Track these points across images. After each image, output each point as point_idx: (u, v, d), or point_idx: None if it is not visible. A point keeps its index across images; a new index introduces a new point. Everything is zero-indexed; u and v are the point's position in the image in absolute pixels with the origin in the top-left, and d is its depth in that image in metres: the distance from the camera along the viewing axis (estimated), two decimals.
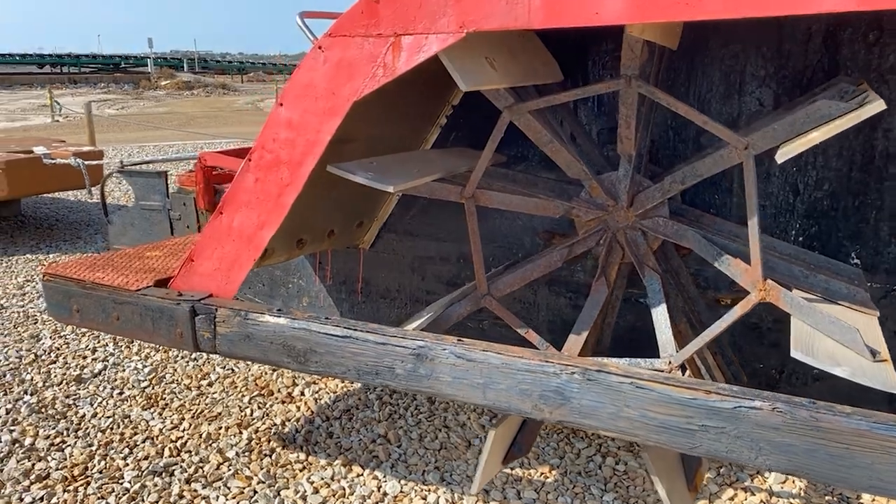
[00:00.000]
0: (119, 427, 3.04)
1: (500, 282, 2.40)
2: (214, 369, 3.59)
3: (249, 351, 2.16)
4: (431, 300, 3.28)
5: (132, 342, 3.93)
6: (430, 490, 2.60)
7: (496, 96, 2.17)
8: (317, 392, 3.35)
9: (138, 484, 2.63)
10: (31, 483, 2.64)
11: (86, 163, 5.72)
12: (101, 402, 3.27)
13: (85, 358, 3.76)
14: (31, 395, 3.34)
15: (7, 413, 3.15)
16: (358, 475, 2.70)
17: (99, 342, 3.94)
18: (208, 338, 2.21)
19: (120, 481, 2.65)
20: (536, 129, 2.22)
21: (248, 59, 78.50)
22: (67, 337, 4.03)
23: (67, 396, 3.32)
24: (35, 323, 4.26)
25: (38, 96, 32.11)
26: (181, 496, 2.57)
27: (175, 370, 3.60)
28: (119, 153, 11.66)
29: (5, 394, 3.34)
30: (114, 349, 3.86)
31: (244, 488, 2.61)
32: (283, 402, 3.26)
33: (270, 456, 2.82)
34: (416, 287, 3.31)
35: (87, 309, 2.43)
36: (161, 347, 3.87)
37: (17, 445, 2.89)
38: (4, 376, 3.53)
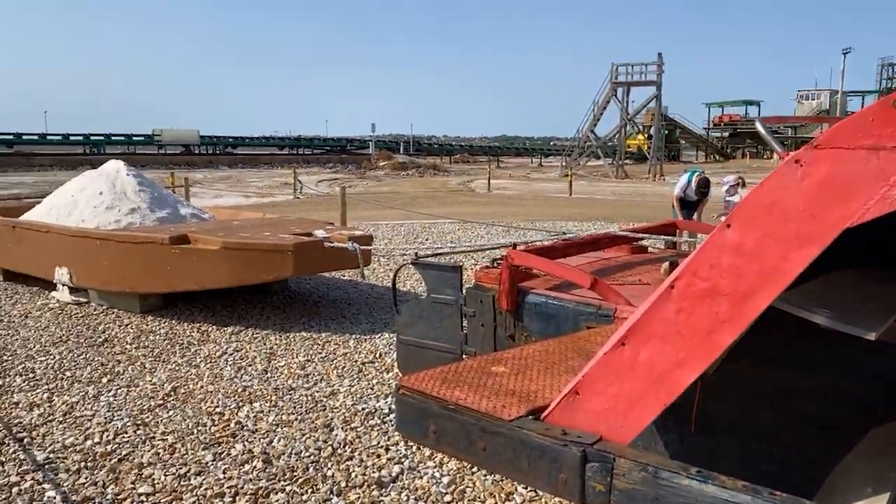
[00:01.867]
0: None
1: None
2: (517, 489, 3.28)
3: None
4: (789, 441, 2.74)
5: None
6: None
7: None
8: None
9: None
10: None
11: (361, 247, 5.92)
12: None
13: (379, 457, 3.65)
14: (338, 496, 3.24)
15: None
16: None
17: (390, 440, 3.83)
18: (601, 491, 1.87)
19: None
20: None
21: (451, 141, 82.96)
22: (358, 429, 3.98)
23: (373, 503, 3.18)
24: (324, 409, 4.29)
25: (278, 175, 36.03)
26: None
27: (474, 483, 3.35)
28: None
29: (313, 491, 3.28)
30: (406, 451, 3.72)
31: None
32: None
33: None
34: (770, 424, 2.79)
35: (448, 432, 2.22)
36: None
37: None
38: (308, 469, 3.50)
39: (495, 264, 3.98)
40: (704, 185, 9.83)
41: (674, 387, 1.82)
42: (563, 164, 39.74)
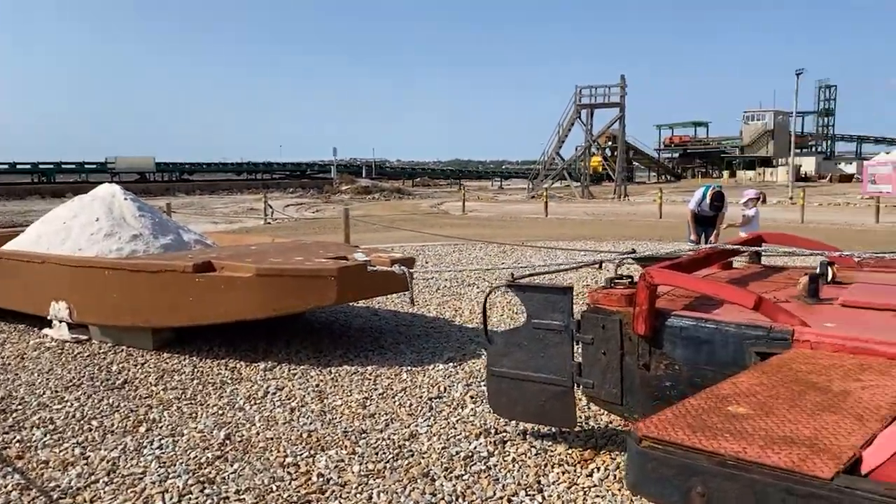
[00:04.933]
0: None
1: None
2: None
3: None
4: None
5: None
6: None
7: None
8: None
9: None
10: None
11: (409, 270, 5.42)
12: None
13: None
14: None
15: None
16: None
17: (506, 489, 3.33)
18: None
19: None
20: None
21: (403, 166, 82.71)
22: (465, 478, 3.46)
23: None
24: (412, 455, 3.76)
25: (241, 201, 35.08)
26: None
27: None
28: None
29: None
30: (532, 503, 3.22)
31: None
32: None
33: None
34: None
35: (725, 496, 1.76)
36: None
37: None
38: None
39: (612, 284, 3.55)
40: (719, 200, 9.67)
41: None
42: (530, 186, 39.79)
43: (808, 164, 69.46)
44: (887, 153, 21.57)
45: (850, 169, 68.89)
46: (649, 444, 1.89)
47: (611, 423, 4.14)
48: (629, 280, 3.55)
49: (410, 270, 5.44)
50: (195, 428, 4.19)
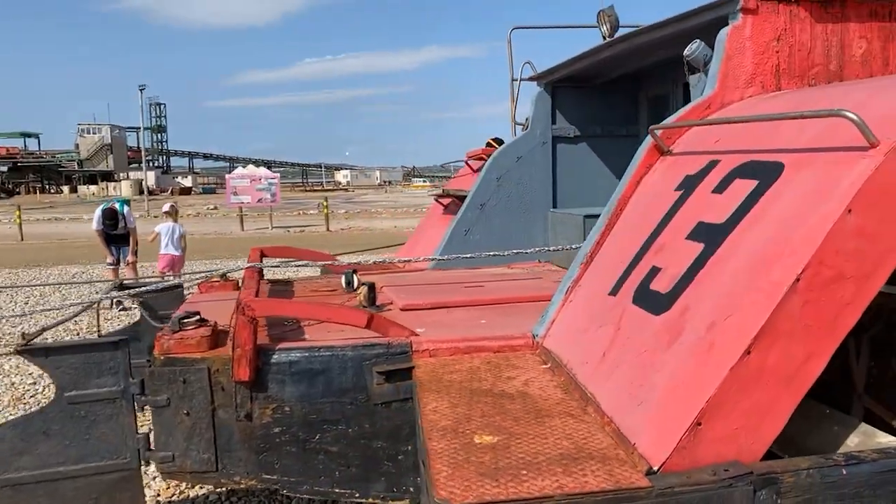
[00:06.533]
0: None
1: None
2: None
3: None
4: None
5: None
6: None
7: None
8: None
9: None
10: None
11: None
12: None
13: None
14: None
15: None
16: None
17: None
18: None
19: None
20: None
21: None
22: None
23: None
24: None
25: None
26: None
27: None
28: None
29: None
30: None
31: None
32: None
33: None
34: None
35: None
36: None
37: None
38: None
39: (181, 326, 2.81)
40: (109, 217, 9.21)
41: (802, 384, 1.79)
42: None
43: (149, 178, 71.68)
44: (244, 168, 23.99)
45: (187, 182, 74.14)
46: None
47: (174, 496, 3.32)
48: (198, 318, 2.87)
49: None
50: None
